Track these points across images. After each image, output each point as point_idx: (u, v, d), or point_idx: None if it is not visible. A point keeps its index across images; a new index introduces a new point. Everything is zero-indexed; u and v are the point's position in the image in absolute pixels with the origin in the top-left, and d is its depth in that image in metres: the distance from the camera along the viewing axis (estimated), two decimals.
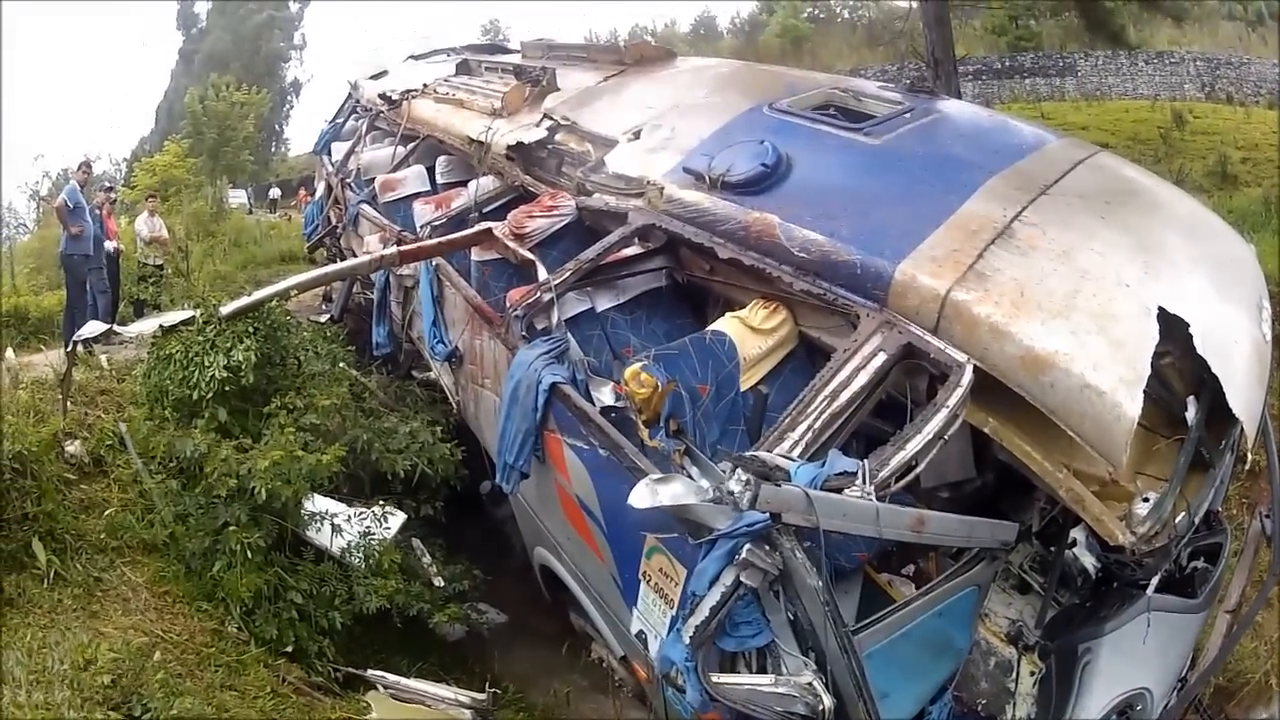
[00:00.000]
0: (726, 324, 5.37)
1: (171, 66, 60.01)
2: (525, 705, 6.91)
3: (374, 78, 13.95)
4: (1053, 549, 5.37)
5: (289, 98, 58.63)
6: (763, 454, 4.03)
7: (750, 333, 5.33)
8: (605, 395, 5.35)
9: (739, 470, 3.78)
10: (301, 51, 59.93)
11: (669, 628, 4.15)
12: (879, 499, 3.97)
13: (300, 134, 59.85)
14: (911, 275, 4.81)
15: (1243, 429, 4.86)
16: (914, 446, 4.18)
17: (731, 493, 3.75)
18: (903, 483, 4.17)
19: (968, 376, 4.42)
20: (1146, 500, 4.55)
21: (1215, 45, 36.14)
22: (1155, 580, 5.16)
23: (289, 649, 6.11)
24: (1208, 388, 4.87)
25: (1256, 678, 8.42)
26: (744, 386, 5.23)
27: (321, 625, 6.28)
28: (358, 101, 13.95)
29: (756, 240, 5.47)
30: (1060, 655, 4.96)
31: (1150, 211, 5.67)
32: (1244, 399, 4.77)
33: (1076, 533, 5.64)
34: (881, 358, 4.64)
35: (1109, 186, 5.80)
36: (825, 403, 4.44)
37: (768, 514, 3.68)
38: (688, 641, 3.78)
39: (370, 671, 6.30)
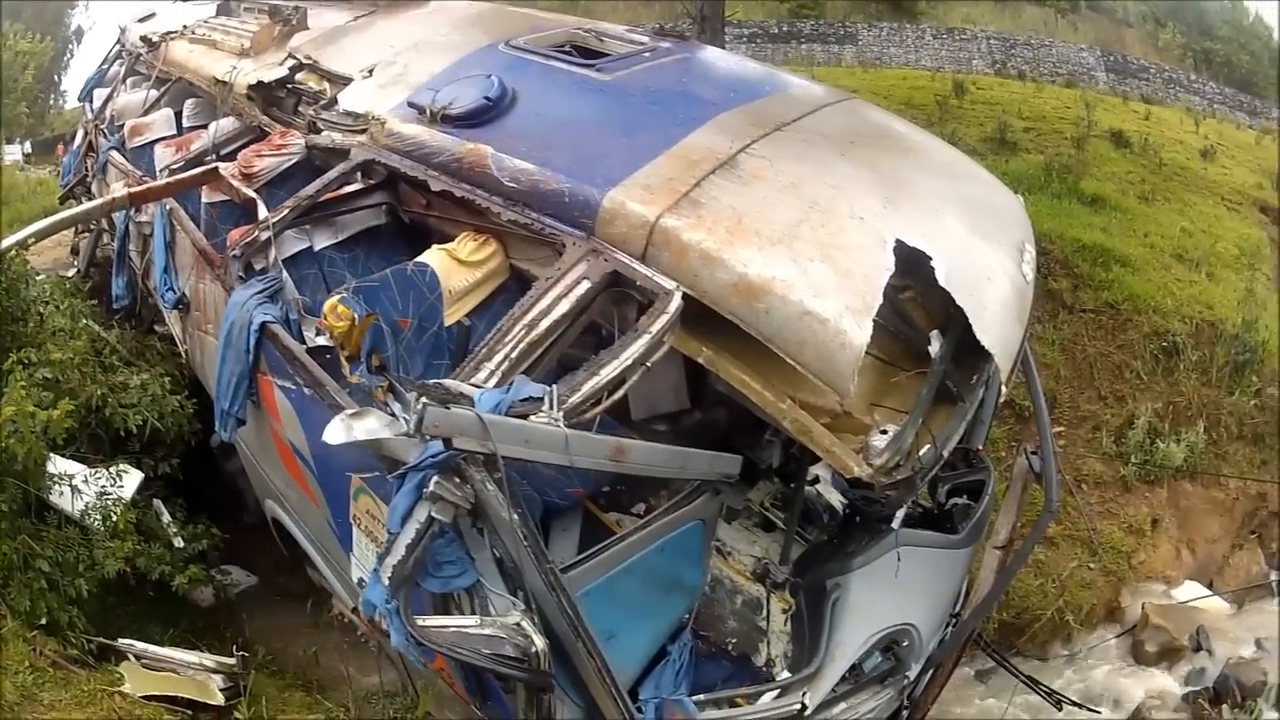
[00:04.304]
0: (431, 256, 5.18)
1: None
2: (277, 667, 6.78)
3: (142, 20, 13.13)
4: (793, 485, 5.41)
5: (70, 46, 54.43)
6: (449, 382, 3.86)
7: (457, 265, 5.16)
8: (314, 334, 5.15)
9: (422, 399, 3.64)
10: None
11: None
12: (578, 427, 3.86)
13: (79, 84, 55.73)
14: (620, 202, 4.66)
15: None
16: (609, 372, 4.04)
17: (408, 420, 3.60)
18: (600, 408, 4.04)
19: (675, 303, 4.28)
20: (885, 432, 4.43)
21: (1017, 28, 36.80)
22: (900, 514, 5.24)
23: (43, 621, 5.79)
24: (956, 324, 4.76)
25: (1048, 614, 8.85)
26: (451, 320, 5.09)
27: (70, 594, 5.97)
28: (123, 46, 13.17)
29: (469, 172, 5.27)
30: (809, 592, 4.99)
31: (901, 153, 5.60)
32: (995, 333, 4.68)
33: (820, 469, 5.71)
34: (585, 285, 4.49)
35: (857, 129, 5.73)
36: (524, 332, 4.28)
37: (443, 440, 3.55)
38: (386, 583, 3.56)
39: (121, 641, 6.07)
